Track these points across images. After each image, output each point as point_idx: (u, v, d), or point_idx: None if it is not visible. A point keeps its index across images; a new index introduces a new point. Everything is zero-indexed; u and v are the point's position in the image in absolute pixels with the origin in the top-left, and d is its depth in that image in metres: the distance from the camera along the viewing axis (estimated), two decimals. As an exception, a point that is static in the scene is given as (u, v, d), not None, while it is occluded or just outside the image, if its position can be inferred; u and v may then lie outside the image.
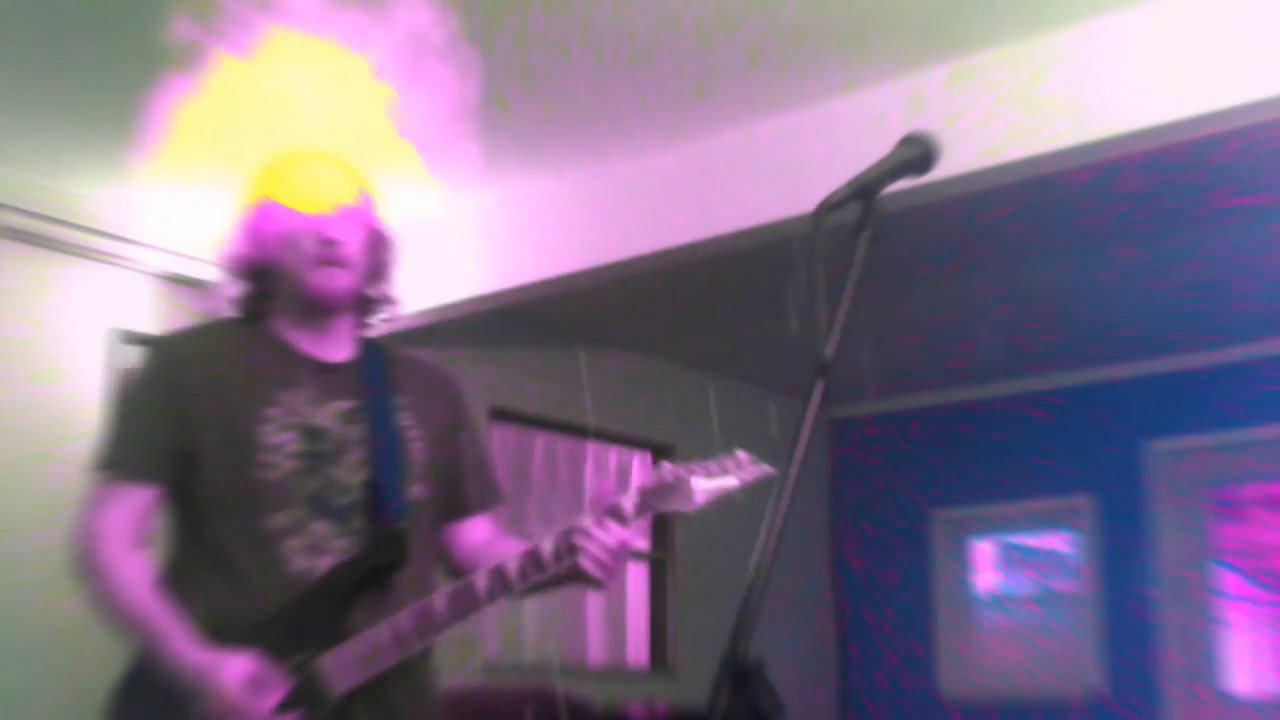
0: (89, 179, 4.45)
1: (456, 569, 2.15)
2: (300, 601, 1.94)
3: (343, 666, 1.93)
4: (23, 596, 4.27)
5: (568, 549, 1.92)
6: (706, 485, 1.99)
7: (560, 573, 1.94)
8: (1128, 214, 4.83)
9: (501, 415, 6.22)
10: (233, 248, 2.11)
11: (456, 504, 2.17)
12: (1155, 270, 5.39)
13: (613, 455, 6.89)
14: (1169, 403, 6.63)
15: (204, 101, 2.06)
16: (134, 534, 1.98)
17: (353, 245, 2.07)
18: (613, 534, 1.93)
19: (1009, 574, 7.49)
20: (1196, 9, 3.30)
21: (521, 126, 4.14)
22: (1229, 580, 6.71)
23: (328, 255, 2.04)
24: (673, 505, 1.96)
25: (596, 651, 6.65)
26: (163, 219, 4.65)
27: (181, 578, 1.98)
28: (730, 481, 2.03)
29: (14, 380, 4.42)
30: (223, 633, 1.90)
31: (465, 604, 1.94)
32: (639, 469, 7.00)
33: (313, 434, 2.00)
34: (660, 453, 6.94)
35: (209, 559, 1.97)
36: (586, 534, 1.92)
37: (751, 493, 2.02)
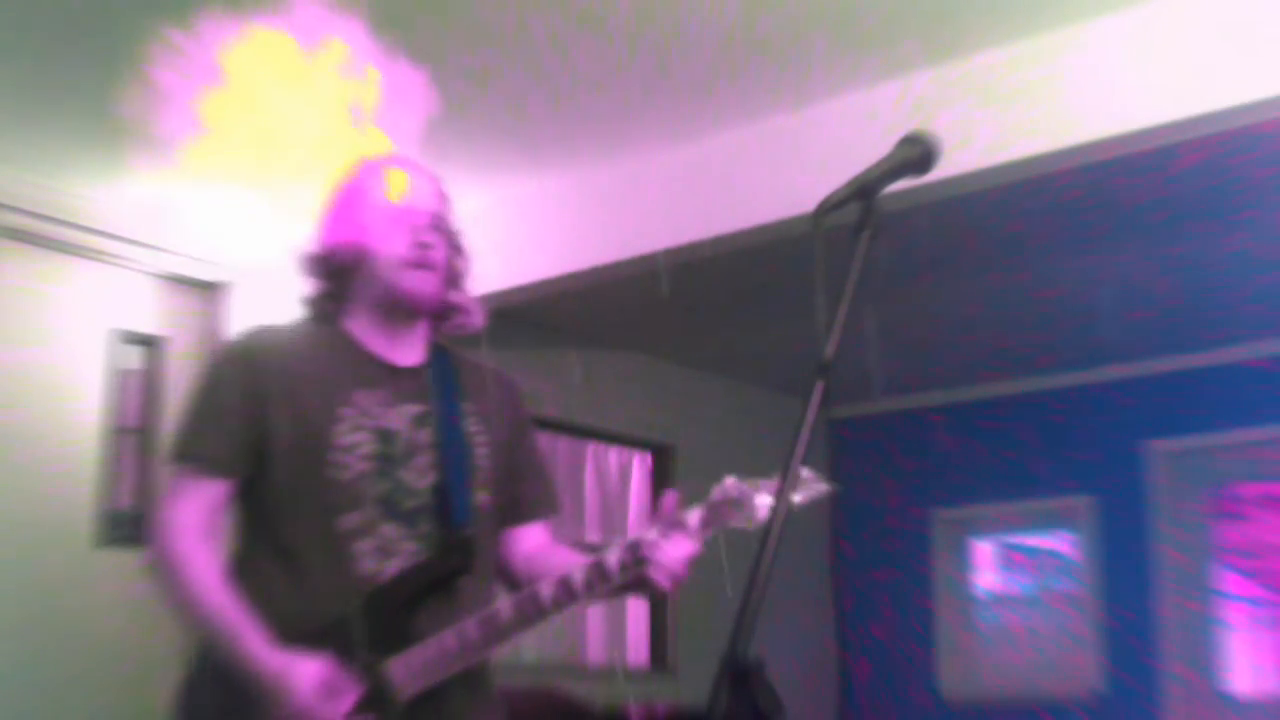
0: (89, 179, 4.45)
1: (511, 575, 2.18)
2: (368, 604, 1.96)
3: (410, 671, 1.95)
4: (22, 596, 4.26)
5: (634, 561, 1.95)
6: (770, 501, 1.96)
7: (623, 584, 1.97)
8: (1127, 214, 4.83)
9: (501, 415, 6.21)
10: (317, 243, 2.12)
11: (516, 510, 2.20)
12: (1155, 270, 5.39)
13: (613, 455, 6.89)
14: (1169, 403, 6.62)
15: (206, 102, 2.06)
16: (206, 527, 2.00)
17: (442, 250, 2.11)
18: (680, 547, 1.96)
19: (1009, 574, 7.49)
20: (1196, 9, 3.29)
21: (521, 126, 4.13)
22: (1229, 580, 6.71)
23: (421, 258, 2.08)
24: (736, 521, 1.97)
25: (596, 651, 6.65)
26: (163, 219, 4.65)
27: (248, 573, 1.99)
28: (795, 498, 2.03)
29: (14, 380, 4.41)
30: (288, 632, 1.92)
31: (531, 613, 1.97)
32: (639, 469, 7.00)
33: (384, 436, 2.03)
34: (660, 453, 6.94)
35: (277, 556, 1.99)
36: (655, 547, 1.94)
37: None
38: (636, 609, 6.89)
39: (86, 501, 4.51)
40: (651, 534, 1.96)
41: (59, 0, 3.37)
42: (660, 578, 1.95)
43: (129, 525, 4.57)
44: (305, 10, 2.07)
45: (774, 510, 1.51)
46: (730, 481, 1.97)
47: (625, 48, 3.59)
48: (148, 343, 4.78)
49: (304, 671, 1.88)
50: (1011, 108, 3.57)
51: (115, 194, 4.54)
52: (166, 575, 1.98)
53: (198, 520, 1.99)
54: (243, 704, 1.90)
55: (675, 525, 1.97)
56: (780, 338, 5.47)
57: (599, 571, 1.95)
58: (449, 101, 2.24)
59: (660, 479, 6.95)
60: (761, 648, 1.43)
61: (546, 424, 6.47)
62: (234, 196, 3.96)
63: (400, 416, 2.05)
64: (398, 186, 2.10)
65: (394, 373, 2.09)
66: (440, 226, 2.14)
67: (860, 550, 7.24)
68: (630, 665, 6.82)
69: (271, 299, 4.79)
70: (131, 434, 4.67)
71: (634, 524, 6.91)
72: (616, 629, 6.78)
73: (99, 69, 3.66)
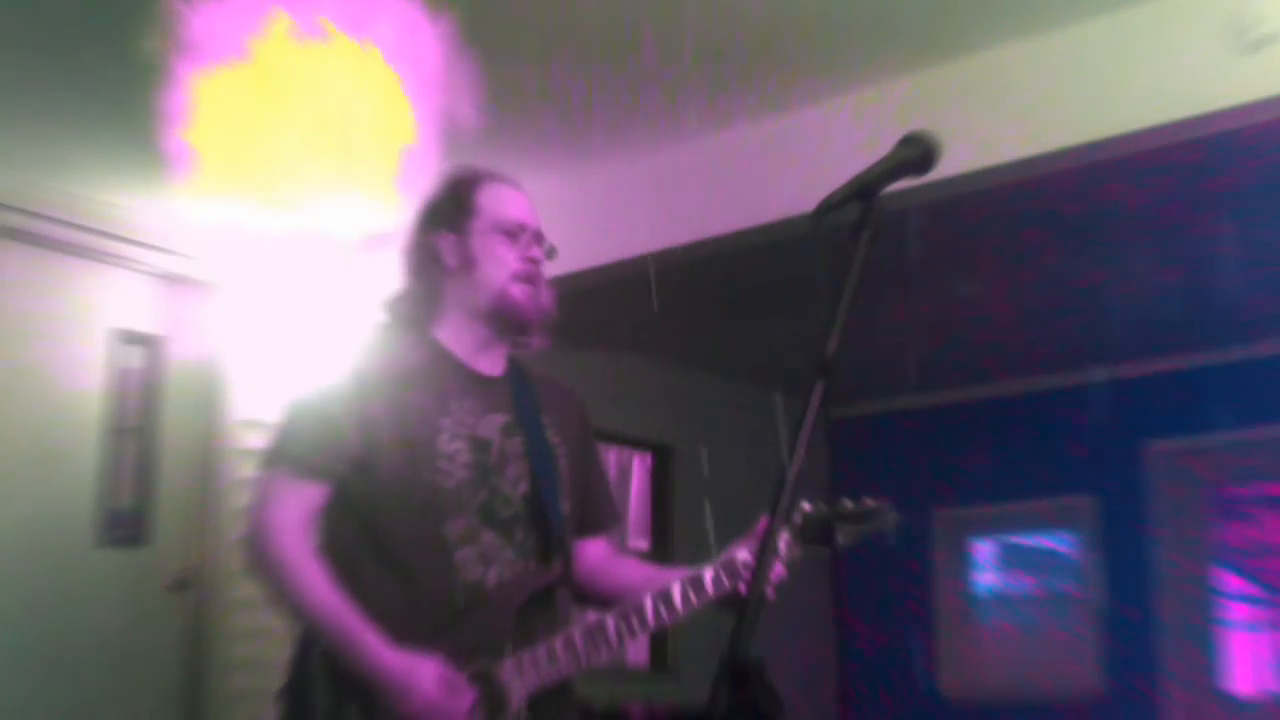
0: (89, 179, 4.44)
1: (577, 585, 2.23)
2: (476, 609, 2.00)
3: (521, 676, 2.00)
4: (22, 595, 4.26)
5: (729, 577, 2.06)
6: (853, 532, 2.21)
7: (715, 599, 2.07)
8: (1127, 214, 4.83)
9: (501, 415, 6.21)
10: (418, 241, 2.13)
11: (586, 520, 2.25)
12: (1155, 270, 5.39)
13: (613, 455, 6.89)
14: (1169, 403, 6.62)
15: (208, 103, 2.06)
16: (308, 530, 2.01)
17: (543, 265, 2.18)
18: (775, 570, 2.08)
19: (1009, 574, 7.49)
20: (1197, 9, 3.29)
21: (521, 127, 4.13)
22: (1229, 580, 6.71)
23: (530, 272, 2.14)
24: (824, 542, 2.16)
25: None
26: (162, 219, 4.65)
27: (348, 576, 2.00)
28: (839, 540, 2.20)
29: (14, 380, 4.41)
30: (397, 634, 1.95)
31: (634, 625, 2.06)
32: (639, 469, 7.00)
33: (480, 445, 2.07)
34: (660, 453, 6.94)
35: (378, 559, 2.02)
36: (747, 566, 2.05)
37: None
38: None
39: (86, 501, 4.51)
40: (744, 553, 2.06)
41: (59, 2, 3.37)
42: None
43: (129, 525, 4.57)
44: (303, 13, 2.07)
45: (774, 509, 1.50)
46: (809, 508, 2.12)
47: (624, 48, 3.59)
48: (148, 343, 4.77)
49: (428, 670, 1.92)
50: (1011, 108, 3.57)
51: (116, 194, 4.53)
52: (275, 576, 1.99)
53: (299, 522, 2.01)
54: (357, 702, 1.93)
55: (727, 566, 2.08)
56: (780, 338, 5.46)
57: (696, 586, 2.06)
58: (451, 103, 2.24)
59: (660, 479, 6.95)
60: (761, 648, 1.43)
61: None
62: (234, 196, 3.95)
63: (490, 426, 2.10)
64: (508, 198, 2.16)
65: (481, 382, 2.14)
66: (541, 242, 2.19)
67: (860, 550, 7.23)
68: (630, 665, 6.82)
69: (270, 299, 4.79)
70: (131, 434, 4.67)
71: (634, 524, 6.91)
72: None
73: (100, 70, 3.67)
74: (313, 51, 2.08)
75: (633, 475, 6.97)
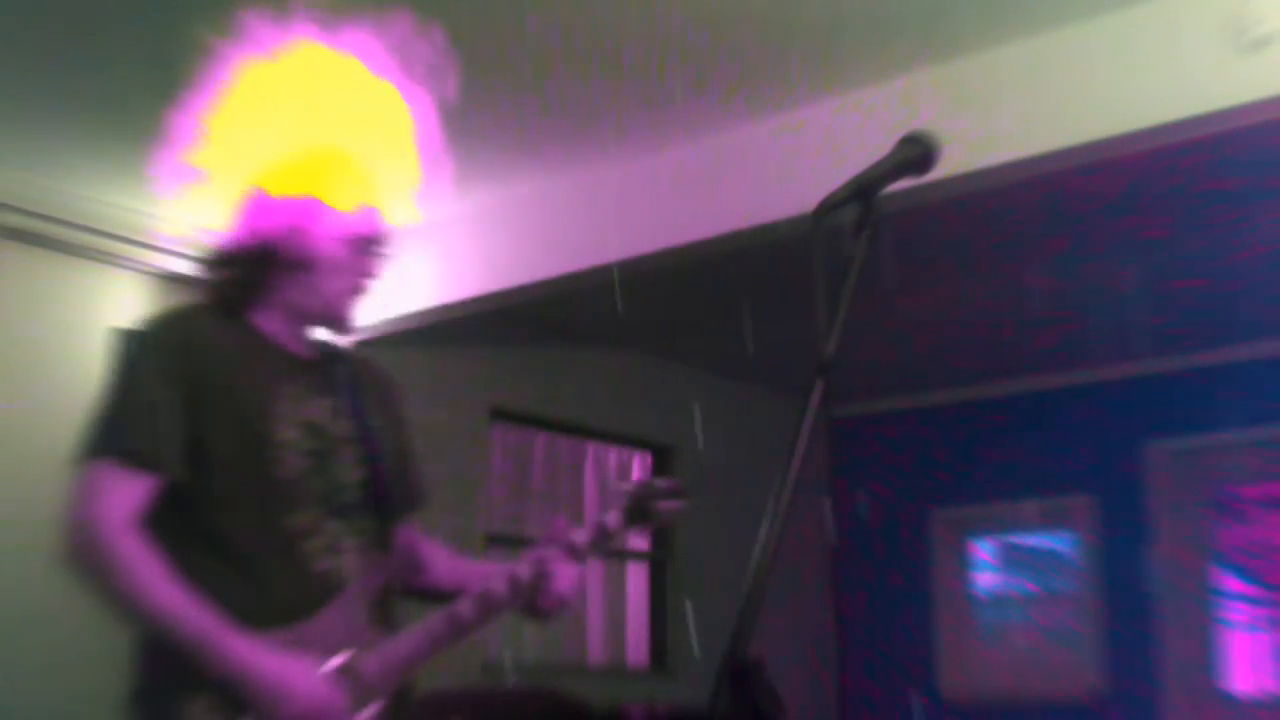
0: (89, 179, 4.45)
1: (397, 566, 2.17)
2: (331, 601, 1.93)
3: (385, 667, 1.95)
4: (22, 596, 4.26)
5: (538, 577, 2.04)
6: (671, 507, 2.15)
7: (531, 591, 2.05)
8: (1127, 214, 4.83)
9: (501, 415, 6.22)
10: (254, 232, 2.03)
11: (406, 500, 2.16)
12: (1155, 270, 5.39)
13: (613, 455, 6.89)
14: (1169, 403, 6.63)
15: (210, 103, 2.05)
16: (138, 525, 1.86)
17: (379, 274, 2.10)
18: (571, 572, 2.08)
19: (1009, 574, 7.49)
20: (1197, 9, 3.29)
21: (522, 127, 4.14)
22: (1229, 580, 6.71)
23: (364, 288, 2.07)
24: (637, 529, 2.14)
25: (596, 651, 6.65)
26: (162, 219, 4.65)
27: (187, 574, 1.86)
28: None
29: (14, 380, 4.41)
30: (248, 633, 1.85)
31: (486, 608, 2.00)
32: (639, 469, 7.00)
33: (313, 431, 1.98)
34: (660, 453, 6.94)
35: (218, 556, 1.90)
36: (554, 564, 2.05)
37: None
38: (637, 609, 6.89)
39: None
40: (551, 552, 2.05)
41: (59, 3, 3.37)
42: (549, 603, 2.05)
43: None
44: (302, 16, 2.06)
45: (773, 509, 1.50)
46: (628, 489, 2.11)
47: (625, 49, 3.59)
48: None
49: (301, 671, 1.84)
50: (1011, 108, 3.57)
51: (115, 194, 4.54)
52: (110, 577, 1.83)
53: (131, 518, 1.85)
54: (226, 708, 1.83)
55: (567, 547, 2.06)
56: (780, 338, 5.46)
57: (539, 568, 2.04)
58: (449, 104, 2.23)
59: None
60: (761, 648, 1.43)
61: (547, 424, 6.48)
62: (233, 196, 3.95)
63: (320, 410, 2.00)
64: (360, 202, 2.05)
65: (302, 366, 2.04)
66: (384, 250, 2.10)
67: (860, 550, 7.25)
68: (630, 665, 6.82)
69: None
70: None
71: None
72: (617, 629, 6.78)
73: (100, 70, 3.67)
74: (308, 54, 2.07)
75: (632, 475, 6.97)
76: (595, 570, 6.71)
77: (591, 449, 6.76)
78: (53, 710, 4.24)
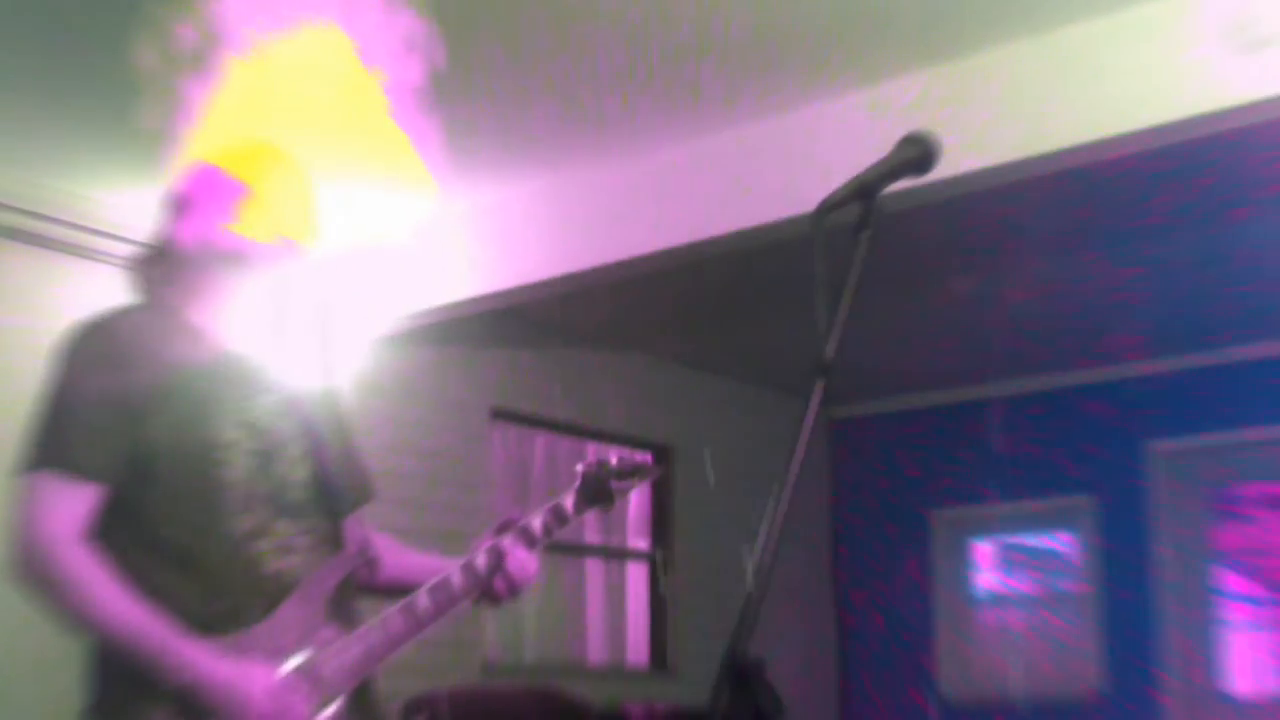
0: (89, 178, 4.45)
1: None
2: (285, 602, 1.90)
3: (344, 666, 1.92)
4: (23, 595, 4.26)
5: (497, 561, 2.05)
6: (626, 485, 2.22)
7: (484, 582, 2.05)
8: (1127, 214, 4.83)
9: (501, 415, 6.22)
10: (192, 229, 2.02)
11: (354, 495, 2.13)
12: (1155, 270, 5.39)
13: (613, 455, 6.88)
14: (1169, 403, 6.63)
15: (208, 101, 2.05)
16: (82, 537, 1.84)
17: None
18: (527, 560, 2.10)
19: (1009, 574, 7.49)
20: (1197, 9, 3.29)
21: (522, 127, 4.14)
22: (1229, 580, 6.71)
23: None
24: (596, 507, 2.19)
25: (596, 651, 6.65)
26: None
27: (136, 583, 1.84)
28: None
29: (13, 380, 4.41)
30: (200, 640, 1.83)
31: (444, 600, 1.99)
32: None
33: (255, 430, 1.95)
34: (660, 453, 6.94)
35: (167, 562, 1.87)
36: (508, 553, 2.06)
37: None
38: (637, 609, 6.89)
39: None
40: (506, 540, 2.07)
41: (60, 2, 3.37)
42: (501, 586, 2.05)
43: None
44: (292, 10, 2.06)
45: (773, 509, 1.50)
46: (582, 468, 2.16)
47: (625, 48, 3.59)
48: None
49: (258, 676, 1.82)
50: (1010, 108, 3.57)
51: (115, 194, 4.54)
52: (60, 591, 1.82)
53: (75, 529, 1.83)
54: (180, 718, 1.81)
55: (521, 532, 2.10)
56: (780, 338, 5.46)
57: (495, 554, 2.05)
58: (449, 102, 2.23)
59: (660, 479, 6.94)
60: (761, 648, 1.43)
61: (547, 424, 6.47)
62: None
63: (261, 407, 1.97)
64: (288, 214, 2.03)
65: (239, 361, 2.00)
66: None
67: (860, 550, 7.25)
68: (630, 665, 6.82)
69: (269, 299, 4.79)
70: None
71: (634, 524, 6.91)
72: (617, 629, 6.78)
73: (100, 69, 3.67)
74: (304, 46, 2.06)
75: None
76: (596, 570, 6.71)
77: (591, 449, 6.76)
78: None
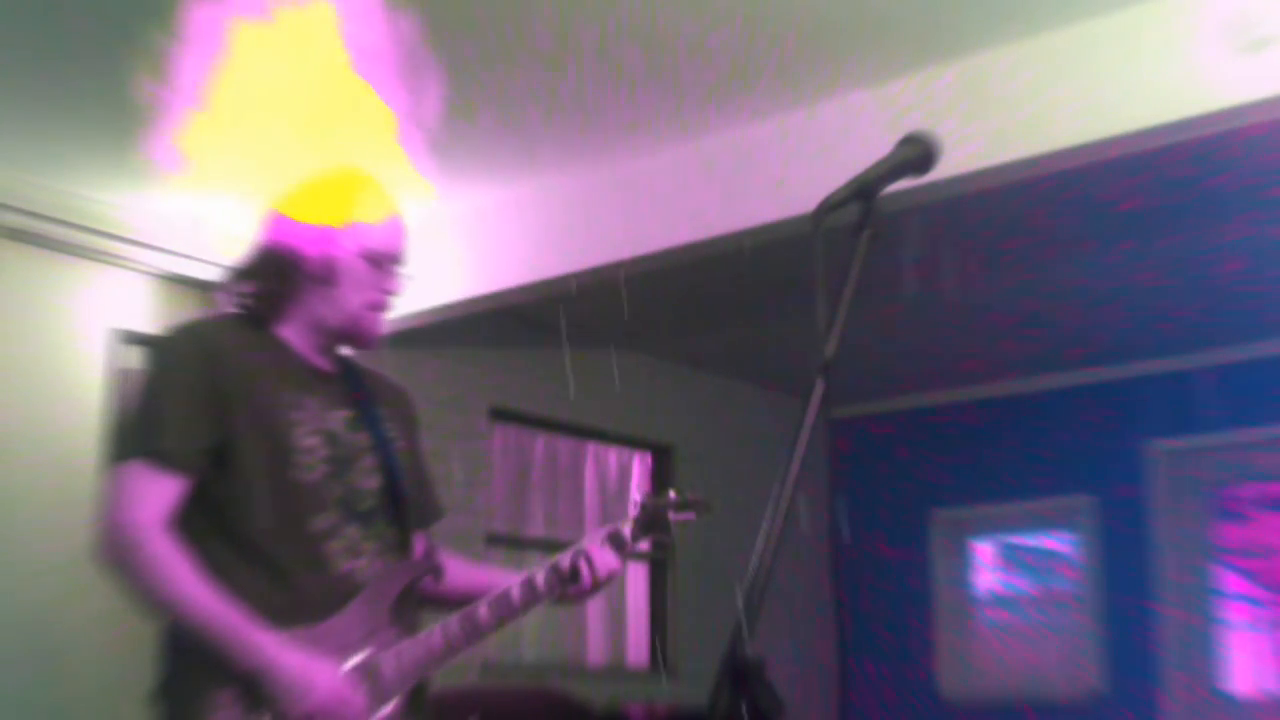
0: (88, 179, 4.45)
1: None
2: (353, 602, 2.01)
3: (402, 668, 2.02)
4: (23, 594, 4.26)
5: (579, 563, 2.15)
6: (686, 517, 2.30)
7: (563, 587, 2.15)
8: (1128, 214, 4.83)
9: (501, 415, 6.22)
10: (281, 244, 2.11)
11: (422, 512, 2.26)
12: (1155, 270, 5.39)
13: (613, 455, 6.89)
14: (1169, 403, 6.62)
15: (206, 100, 2.06)
16: (169, 526, 1.96)
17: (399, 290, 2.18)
18: (611, 560, 2.20)
19: (1009, 574, 7.49)
20: (1197, 9, 3.30)
21: (522, 127, 4.13)
22: (1229, 580, 6.71)
23: (385, 304, 2.14)
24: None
25: (596, 651, 6.65)
26: (163, 219, 4.65)
27: (218, 573, 1.96)
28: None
29: (14, 380, 4.41)
30: (277, 630, 1.94)
31: (505, 613, 2.09)
32: (639, 469, 7.00)
33: (332, 439, 2.06)
34: (660, 453, 6.94)
35: (243, 556, 1.99)
36: (593, 555, 2.17)
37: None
38: (637, 609, 6.89)
39: (85, 501, 4.50)
40: (596, 542, 2.18)
41: (60, 2, 3.37)
42: (586, 577, 2.15)
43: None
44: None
45: (773, 509, 1.50)
46: (640, 499, 2.25)
47: (625, 49, 3.59)
48: (148, 343, 4.77)
49: (323, 669, 1.92)
50: (1010, 108, 3.57)
51: (115, 194, 4.54)
52: (144, 576, 1.93)
53: (162, 519, 1.95)
54: (245, 699, 1.91)
55: (615, 540, 2.21)
56: (780, 338, 5.46)
57: (556, 574, 2.14)
58: (449, 101, 2.24)
59: (660, 479, 6.95)
60: (761, 648, 1.43)
61: (547, 424, 6.47)
62: (232, 195, 3.95)
63: (338, 420, 2.09)
64: (385, 224, 2.13)
65: (323, 378, 2.13)
66: (401, 274, 2.18)
67: (860, 550, 7.24)
68: (630, 665, 6.82)
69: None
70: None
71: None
72: (617, 629, 6.78)
73: (100, 69, 3.67)
74: (298, 46, 2.08)
75: (633, 475, 6.97)
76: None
77: (591, 449, 6.76)
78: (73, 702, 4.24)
